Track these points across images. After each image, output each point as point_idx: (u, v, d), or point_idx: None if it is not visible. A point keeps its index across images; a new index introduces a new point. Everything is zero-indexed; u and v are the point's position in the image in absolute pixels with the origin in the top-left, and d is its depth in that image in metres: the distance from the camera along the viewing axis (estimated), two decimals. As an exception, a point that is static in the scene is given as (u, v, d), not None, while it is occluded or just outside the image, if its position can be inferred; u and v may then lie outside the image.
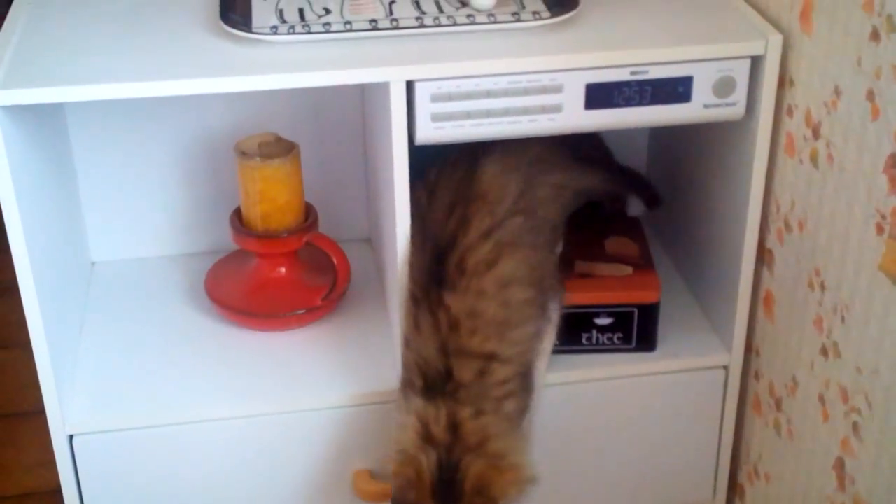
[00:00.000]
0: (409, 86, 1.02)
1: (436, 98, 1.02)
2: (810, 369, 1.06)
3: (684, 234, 1.30)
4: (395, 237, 1.08)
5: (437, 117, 1.03)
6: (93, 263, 1.36)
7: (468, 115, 1.03)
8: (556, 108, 1.04)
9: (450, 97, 1.02)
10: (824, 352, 1.03)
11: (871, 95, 0.91)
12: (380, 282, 1.31)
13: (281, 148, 1.21)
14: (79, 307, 1.25)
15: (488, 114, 1.04)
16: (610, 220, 1.28)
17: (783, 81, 1.06)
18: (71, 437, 1.11)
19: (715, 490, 1.27)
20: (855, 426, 0.99)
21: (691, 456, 1.24)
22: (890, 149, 0.89)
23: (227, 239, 1.27)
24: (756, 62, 1.05)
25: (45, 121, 1.16)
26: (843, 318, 0.99)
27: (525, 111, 1.04)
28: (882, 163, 0.90)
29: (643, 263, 1.20)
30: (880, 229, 0.92)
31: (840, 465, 1.02)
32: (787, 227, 1.08)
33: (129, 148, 1.31)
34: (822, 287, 1.02)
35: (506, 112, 1.04)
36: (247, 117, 1.30)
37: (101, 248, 1.36)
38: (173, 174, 1.33)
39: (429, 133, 1.04)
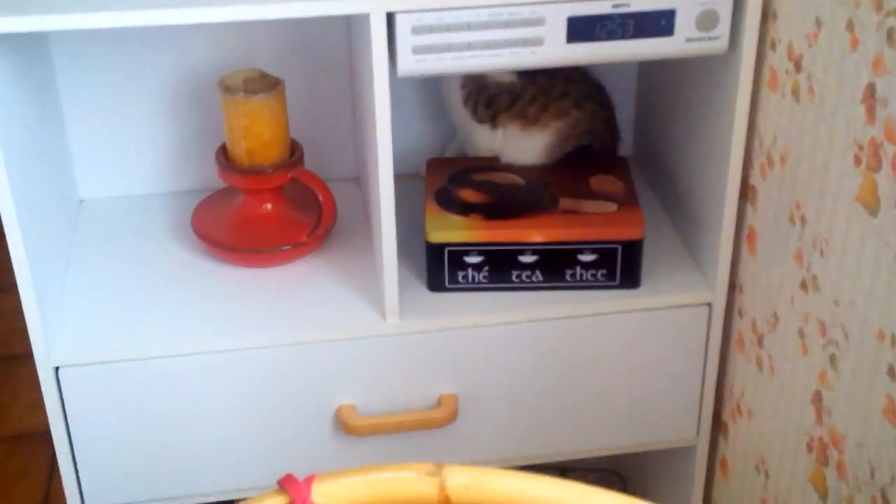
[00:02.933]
0: (390, 18, 1.01)
1: (416, 30, 1.02)
2: (790, 304, 1.06)
3: (670, 172, 1.30)
4: (379, 173, 1.08)
5: (417, 50, 1.02)
6: (81, 201, 1.36)
7: (449, 47, 1.03)
8: (538, 41, 1.04)
9: (430, 29, 1.02)
10: (804, 286, 1.03)
11: (850, 25, 0.91)
12: (366, 220, 1.31)
13: (265, 83, 1.21)
14: (66, 244, 1.26)
15: (469, 46, 1.03)
16: (596, 159, 1.28)
17: (766, 15, 1.05)
18: (57, 368, 1.12)
19: (699, 428, 1.27)
20: (832, 358, 0.99)
21: (675, 394, 1.24)
22: (868, 79, 0.89)
23: (214, 177, 1.27)
24: (739, -5, 1.05)
25: (29, 56, 1.16)
26: (821, 252, 0.99)
27: (506, 44, 1.03)
28: (860, 93, 0.90)
29: (628, 200, 1.20)
30: (858, 160, 0.91)
31: (818, 398, 1.02)
32: (770, 162, 1.08)
33: (115, 85, 1.30)
34: (803, 221, 1.02)
35: (486, 45, 1.03)
36: (232, 53, 1.30)
37: (89, 185, 1.36)
38: (160, 111, 1.33)
39: (410, 66, 1.03)
